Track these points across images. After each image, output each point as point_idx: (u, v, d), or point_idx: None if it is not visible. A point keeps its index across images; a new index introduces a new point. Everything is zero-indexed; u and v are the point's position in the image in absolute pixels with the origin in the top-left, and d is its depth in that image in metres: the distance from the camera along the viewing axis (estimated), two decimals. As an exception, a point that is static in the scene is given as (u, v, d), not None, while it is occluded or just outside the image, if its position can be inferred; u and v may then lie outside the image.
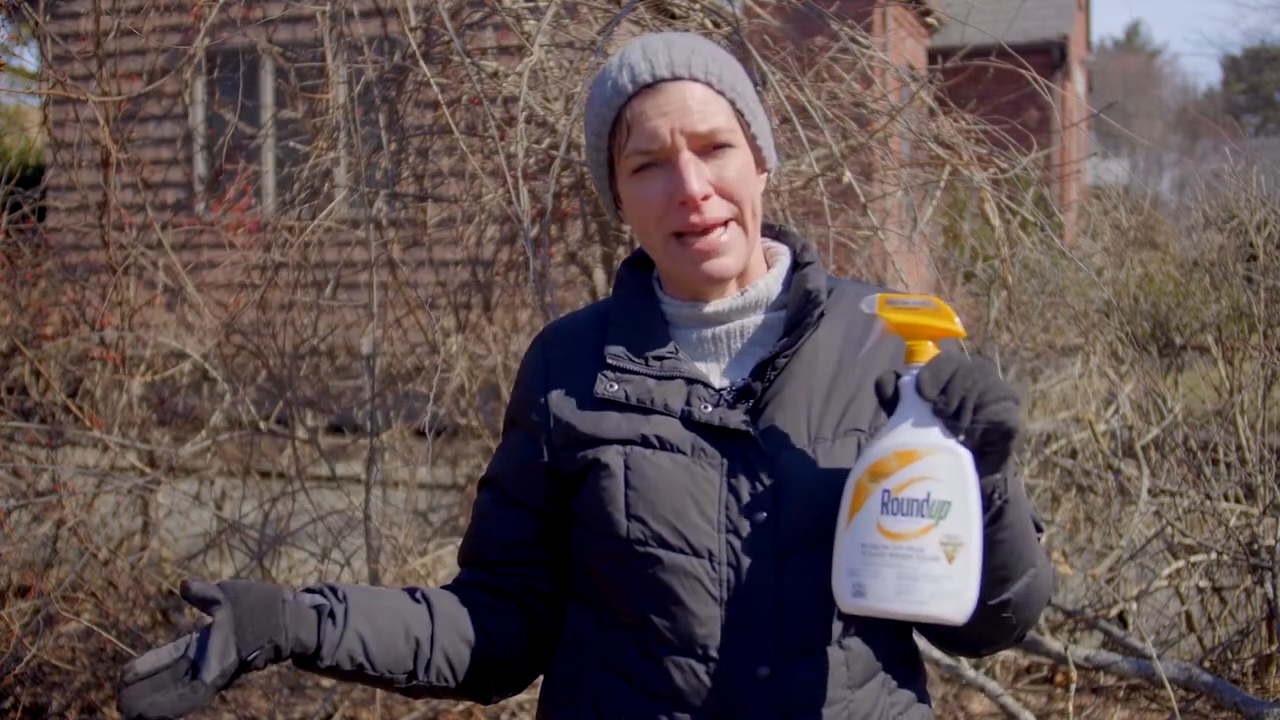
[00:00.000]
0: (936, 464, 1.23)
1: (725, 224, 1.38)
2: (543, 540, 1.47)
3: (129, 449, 4.40)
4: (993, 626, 1.37)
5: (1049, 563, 1.43)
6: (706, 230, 1.36)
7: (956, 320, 1.28)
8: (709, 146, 1.37)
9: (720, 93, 1.38)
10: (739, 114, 1.40)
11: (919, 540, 1.22)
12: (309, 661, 1.35)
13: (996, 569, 1.30)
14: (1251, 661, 3.60)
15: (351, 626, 1.35)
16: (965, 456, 1.23)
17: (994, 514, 1.27)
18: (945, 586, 1.22)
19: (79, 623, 3.74)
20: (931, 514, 1.22)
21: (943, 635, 1.42)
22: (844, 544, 1.27)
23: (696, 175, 1.35)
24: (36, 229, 4.87)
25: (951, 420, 1.23)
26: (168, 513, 4.85)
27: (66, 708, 3.81)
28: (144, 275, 4.86)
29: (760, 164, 1.45)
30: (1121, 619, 3.80)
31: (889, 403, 1.28)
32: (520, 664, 1.48)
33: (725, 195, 1.37)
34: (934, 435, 1.24)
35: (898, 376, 1.28)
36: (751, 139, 1.42)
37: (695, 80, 1.37)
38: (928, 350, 1.28)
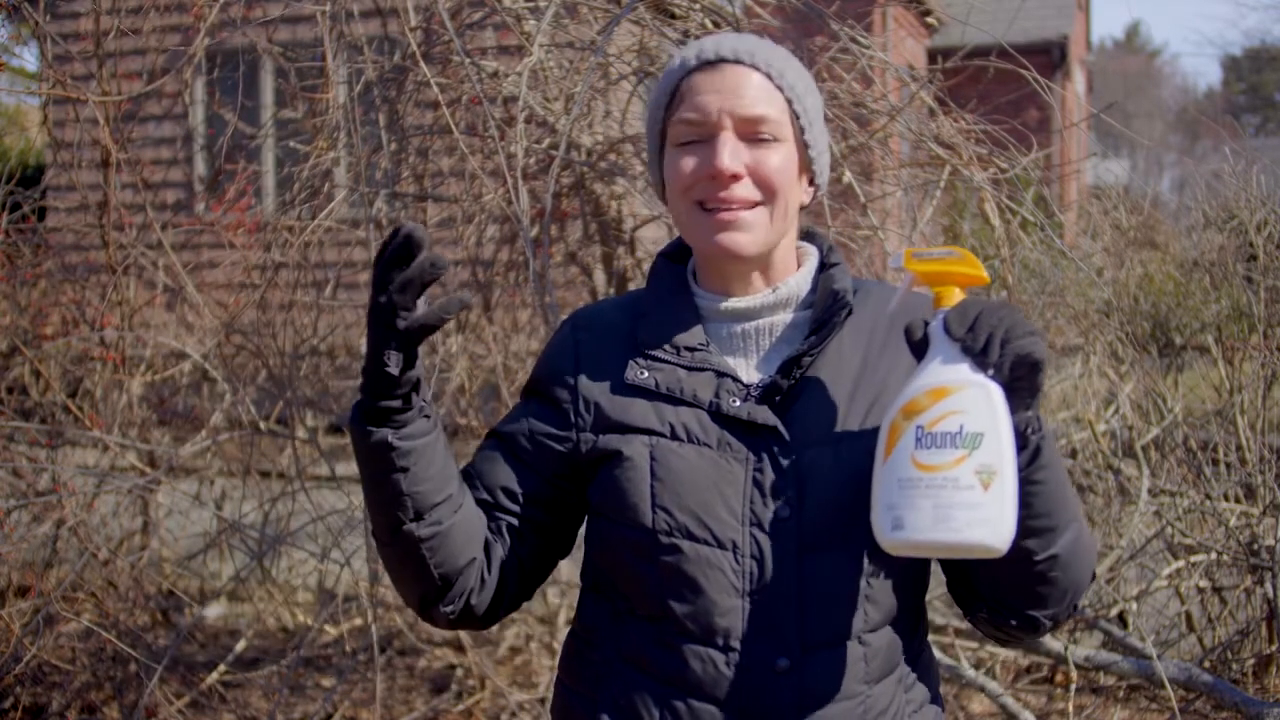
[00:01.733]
0: (967, 398, 1.25)
1: (751, 206, 1.39)
2: (537, 501, 1.47)
3: (129, 449, 4.40)
4: (1043, 584, 1.35)
5: (1090, 531, 1.43)
6: (730, 205, 1.38)
7: (981, 267, 1.31)
8: (754, 134, 1.38)
9: (779, 88, 1.40)
10: (794, 115, 1.41)
11: (954, 470, 1.24)
12: (383, 417, 1.33)
13: (1040, 516, 1.31)
14: (1251, 661, 3.60)
15: (435, 429, 1.37)
16: (995, 390, 1.25)
17: (1031, 452, 1.29)
18: (981, 514, 1.23)
19: (79, 623, 3.74)
20: (965, 445, 1.24)
21: (1000, 605, 1.39)
22: (881, 481, 1.28)
23: (731, 153, 1.37)
24: (36, 229, 4.87)
25: (980, 356, 1.26)
26: (168, 513, 4.85)
27: (66, 708, 3.81)
28: (144, 275, 4.86)
29: (807, 171, 1.45)
30: (1121, 619, 3.80)
31: (918, 347, 1.31)
32: (482, 593, 1.46)
33: (759, 181, 1.39)
34: (964, 371, 1.26)
35: (926, 323, 1.31)
36: (803, 145, 1.43)
37: (755, 68, 1.39)
38: (954, 295, 1.31)
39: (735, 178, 1.37)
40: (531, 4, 3.10)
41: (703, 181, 1.38)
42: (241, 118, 4.29)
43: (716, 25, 3.10)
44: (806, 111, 1.42)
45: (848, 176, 3.02)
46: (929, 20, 12.89)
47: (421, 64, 2.90)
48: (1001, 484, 1.23)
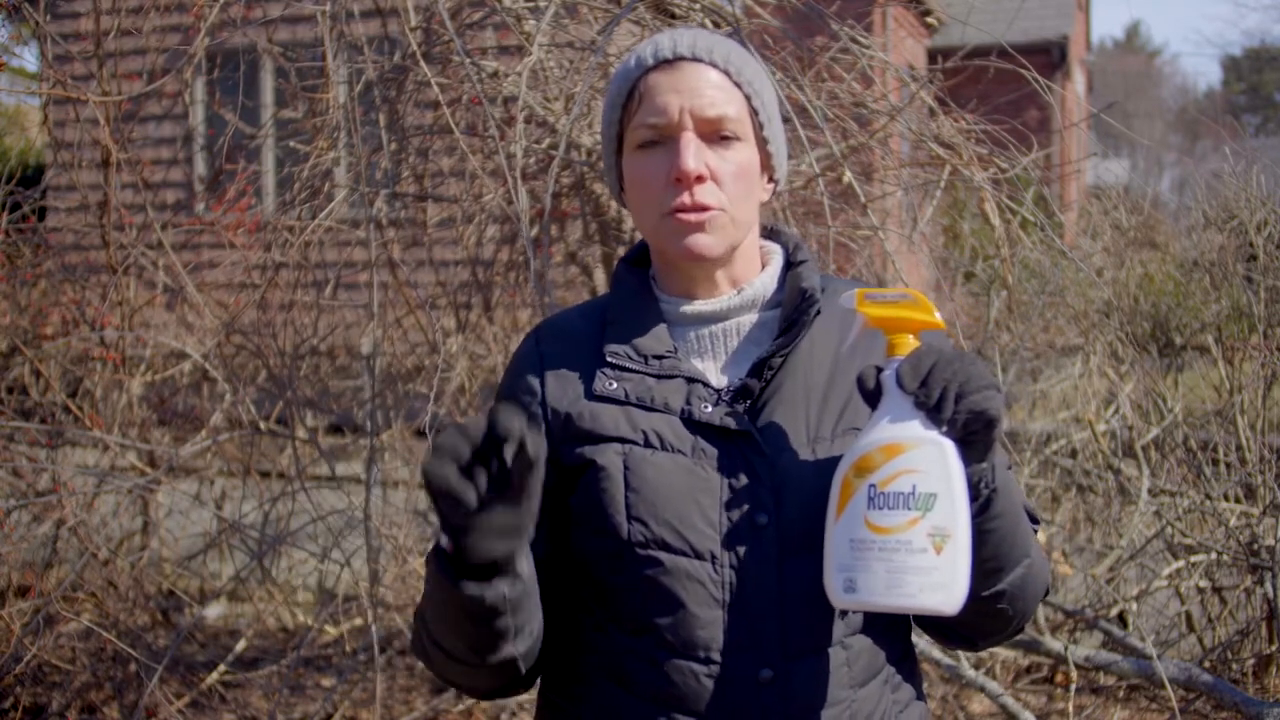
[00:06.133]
0: (920, 456, 1.23)
1: (715, 208, 1.37)
2: (553, 533, 1.41)
3: (129, 449, 4.41)
4: (989, 618, 1.37)
5: (1044, 555, 1.43)
6: (695, 209, 1.36)
7: (935, 312, 1.29)
8: (715, 134, 1.37)
9: (737, 85, 1.38)
10: (753, 111, 1.40)
11: (906, 533, 1.22)
12: (489, 572, 1.21)
13: (988, 559, 1.30)
14: (1251, 661, 3.60)
15: (526, 566, 1.28)
16: (949, 447, 1.23)
17: (982, 504, 1.27)
18: (934, 578, 1.22)
19: (79, 623, 3.74)
20: (917, 506, 1.22)
21: (942, 629, 1.42)
22: (833, 540, 1.27)
23: (695, 154, 1.35)
24: (36, 229, 4.87)
25: (933, 412, 1.23)
26: (168, 513, 4.86)
27: (66, 708, 3.81)
28: (144, 275, 4.86)
29: (767, 168, 1.44)
30: (1121, 619, 3.80)
31: (871, 397, 1.29)
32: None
33: (722, 182, 1.37)
34: (916, 428, 1.24)
35: (879, 371, 1.28)
36: (762, 141, 1.41)
37: (714, 66, 1.37)
38: (908, 343, 1.29)
39: (700, 179, 1.35)
40: (531, 4, 3.10)
41: (670, 187, 1.36)
42: (241, 118, 4.29)
43: (716, 25, 3.10)
44: (765, 107, 1.41)
45: (848, 176, 3.02)
46: (929, 20, 12.89)
47: (421, 64, 2.90)
48: (954, 546, 1.22)
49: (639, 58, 1.39)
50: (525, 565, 1.26)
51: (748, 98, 1.39)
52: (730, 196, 1.37)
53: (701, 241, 1.37)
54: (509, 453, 1.15)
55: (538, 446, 1.16)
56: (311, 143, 3.46)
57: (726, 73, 1.37)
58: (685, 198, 1.35)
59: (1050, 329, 5.49)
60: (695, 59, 1.37)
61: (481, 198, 3.48)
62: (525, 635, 1.32)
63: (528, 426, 1.16)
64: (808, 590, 1.32)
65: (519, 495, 1.18)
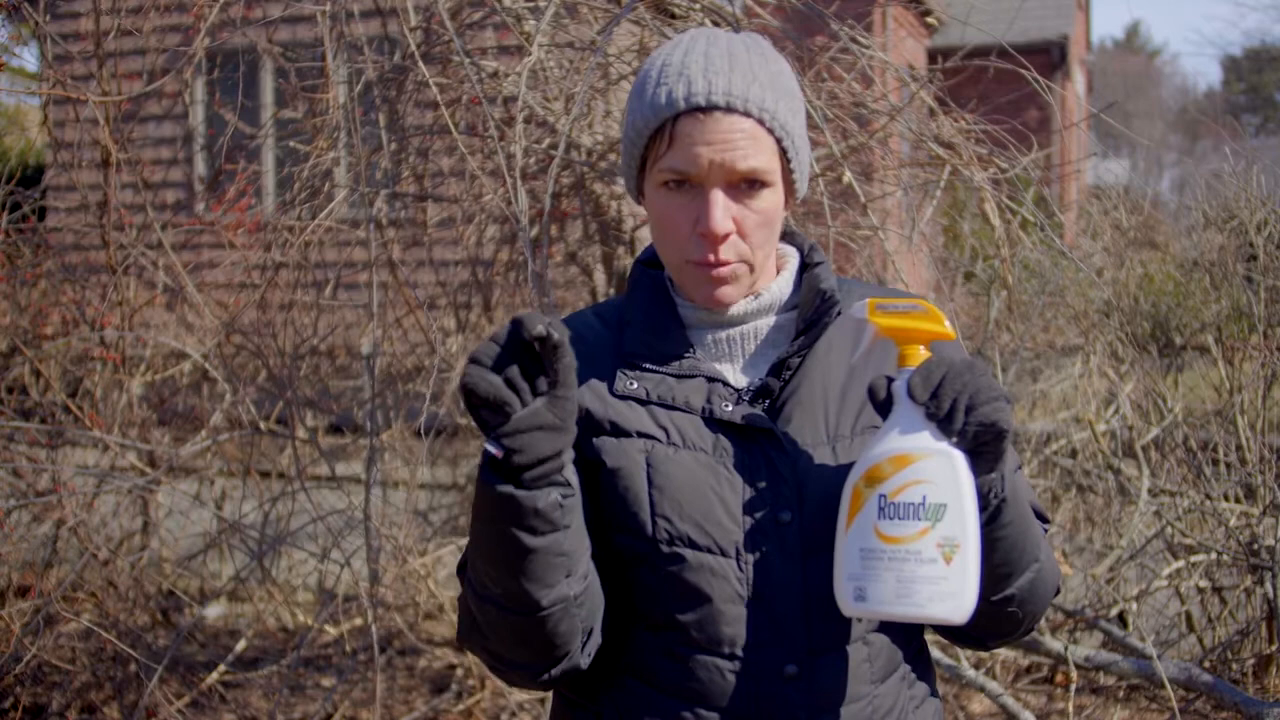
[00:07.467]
0: (930, 467, 1.24)
1: (740, 260, 1.37)
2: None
3: (129, 449, 4.40)
4: (1000, 621, 1.39)
5: (1054, 556, 1.44)
6: (719, 265, 1.36)
7: (946, 322, 1.30)
8: (743, 182, 1.35)
9: (770, 130, 1.35)
10: (783, 151, 1.37)
11: (916, 543, 1.23)
12: (539, 480, 1.23)
13: (998, 566, 1.31)
14: (1251, 661, 3.60)
15: (578, 505, 1.30)
16: (959, 458, 1.25)
17: (991, 513, 1.29)
18: (943, 588, 1.23)
19: (79, 623, 3.74)
20: (927, 517, 1.23)
21: (952, 630, 1.43)
22: (843, 549, 1.28)
23: (723, 213, 1.33)
24: (36, 229, 4.87)
25: (944, 423, 1.25)
26: (168, 513, 4.86)
27: (66, 708, 3.82)
28: (144, 275, 4.86)
29: (791, 195, 1.42)
30: (1121, 619, 3.80)
31: (882, 407, 1.30)
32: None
33: (744, 236, 1.36)
34: (927, 439, 1.25)
35: (890, 381, 1.30)
36: (789, 174, 1.39)
37: (749, 115, 1.33)
38: (919, 354, 1.30)
39: (725, 236, 1.35)
40: (531, 4, 3.10)
41: (694, 238, 1.36)
42: (241, 118, 4.29)
43: (716, 25, 3.10)
44: (795, 143, 1.38)
45: (848, 176, 3.02)
46: (929, 20, 12.89)
47: (421, 64, 2.90)
48: (964, 557, 1.23)
49: (670, 96, 1.33)
50: (572, 476, 1.28)
51: (779, 140, 1.36)
52: (753, 244, 1.37)
53: (723, 293, 1.38)
54: (535, 333, 1.17)
55: (563, 333, 1.19)
56: (311, 143, 3.46)
57: (760, 120, 1.33)
58: (710, 255, 1.35)
59: (1050, 329, 5.50)
60: (730, 109, 1.32)
61: (481, 198, 3.48)
62: (579, 576, 1.30)
63: (551, 322, 1.19)
64: (830, 586, 1.33)
65: (555, 386, 1.20)
